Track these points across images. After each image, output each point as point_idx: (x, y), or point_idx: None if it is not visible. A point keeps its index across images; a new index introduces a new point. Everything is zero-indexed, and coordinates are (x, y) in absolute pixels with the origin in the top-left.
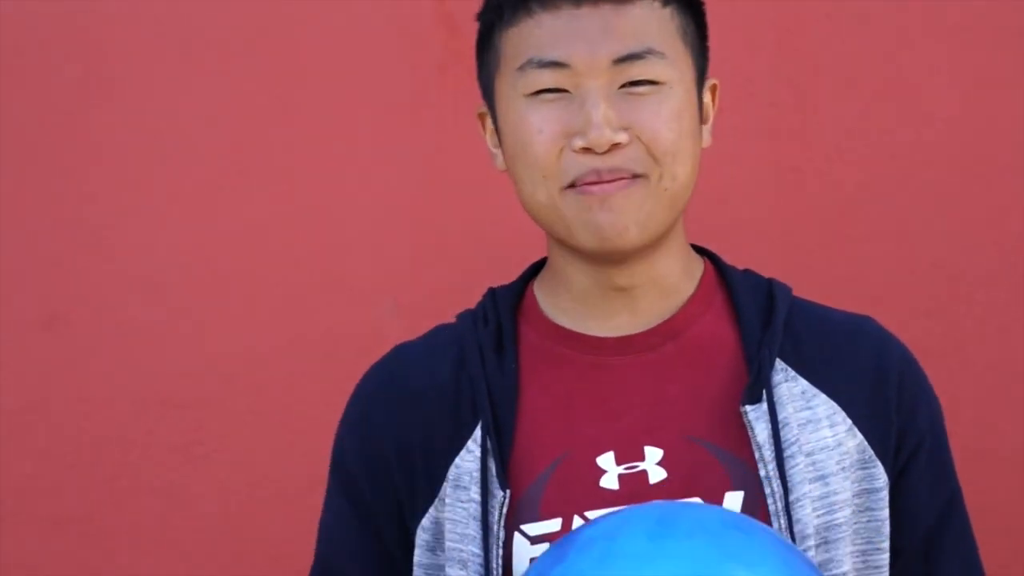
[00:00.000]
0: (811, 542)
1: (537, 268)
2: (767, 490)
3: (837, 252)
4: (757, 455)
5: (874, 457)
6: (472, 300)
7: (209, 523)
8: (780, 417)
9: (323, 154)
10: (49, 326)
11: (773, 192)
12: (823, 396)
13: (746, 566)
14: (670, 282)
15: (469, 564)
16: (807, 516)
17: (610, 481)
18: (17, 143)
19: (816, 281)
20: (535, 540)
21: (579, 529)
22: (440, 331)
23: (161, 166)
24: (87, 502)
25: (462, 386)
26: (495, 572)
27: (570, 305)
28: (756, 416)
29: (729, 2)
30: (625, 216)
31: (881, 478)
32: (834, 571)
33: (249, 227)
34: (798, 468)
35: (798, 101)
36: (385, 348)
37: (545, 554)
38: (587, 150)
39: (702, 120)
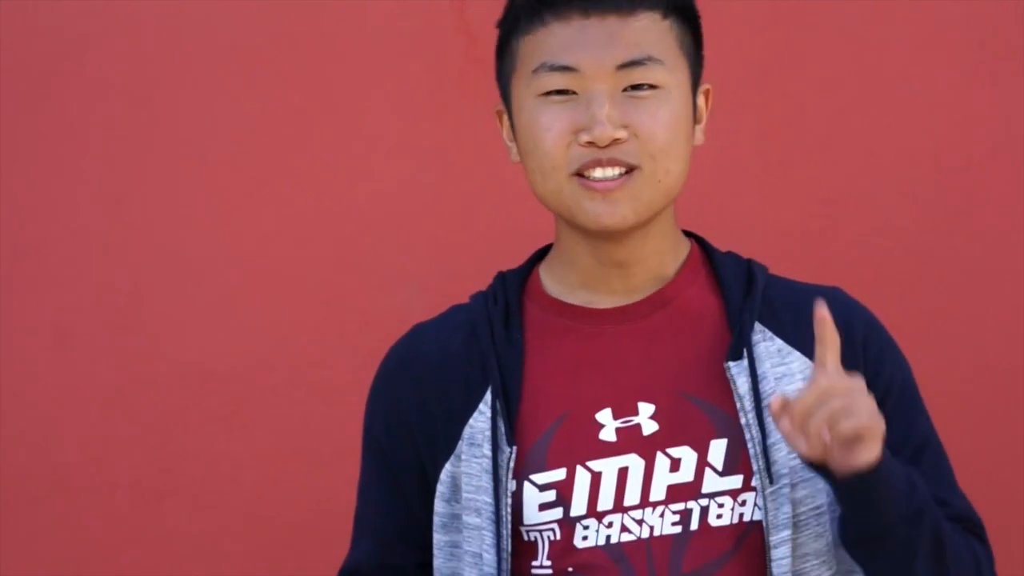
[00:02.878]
0: (786, 480)
1: (542, 253)
2: (747, 436)
3: (820, 241)
4: (738, 405)
5: None
6: (486, 285)
7: (248, 488)
8: (759, 372)
9: (350, 153)
10: (99, 308)
11: (761, 185)
12: (797, 354)
13: None
14: (660, 260)
15: (483, 512)
16: (783, 458)
17: (608, 434)
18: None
19: (800, 268)
20: (543, 488)
21: None
22: (454, 311)
23: (204, 162)
24: (136, 469)
25: (473, 356)
26: (504, 518)
27: (575, 281)
28: (738, 371)
29: (720, 9)
30: (624, 206)
31: None
32: (810, 504)
33: (285, 220)
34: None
35: (784, 101)
36: (407, 328)
37: None
38: (591, 144)
39: (696, 121)
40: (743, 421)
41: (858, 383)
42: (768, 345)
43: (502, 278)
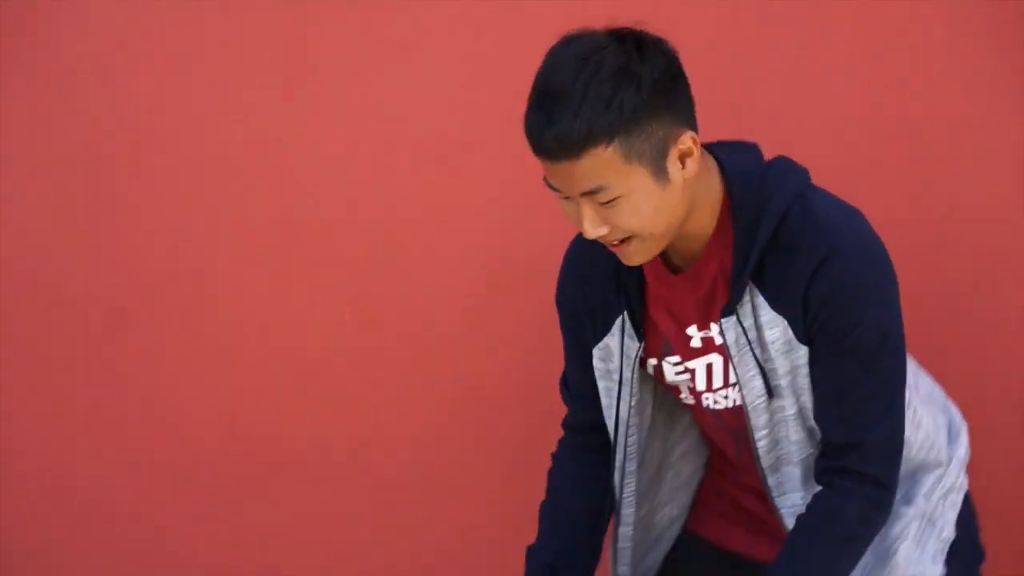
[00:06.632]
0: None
1: None
2: (732, 363)
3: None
4: (730, 351)
5: (798, 343)
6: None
7: (359, 470)
8: (744, 324)
9: (398, 160)
10: (220, 300)
11: None
12: (767, 306)
13: None
14: (691, 239)
15: (613, 375)
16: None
17: (696, 342)
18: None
19: None
20: (675, 364)
21: None
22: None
23: (285, 170)
24: (254, 452)
25: (619, 266)
26: (629, 382)
27: None
28: (727, 326)
29: (752, 9)
30: (634, 257)
31: (804, 356)
32: (785, 412)
33: (391, 214)
34: (748, 352)
35: (813, 97)
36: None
37: None
38: None
39: (688, 157)
40: (734, 360)
41: None
42: (756, 301)
43: None
